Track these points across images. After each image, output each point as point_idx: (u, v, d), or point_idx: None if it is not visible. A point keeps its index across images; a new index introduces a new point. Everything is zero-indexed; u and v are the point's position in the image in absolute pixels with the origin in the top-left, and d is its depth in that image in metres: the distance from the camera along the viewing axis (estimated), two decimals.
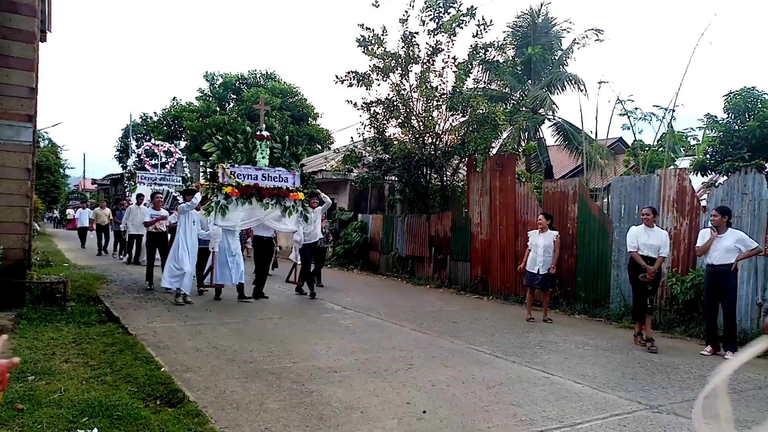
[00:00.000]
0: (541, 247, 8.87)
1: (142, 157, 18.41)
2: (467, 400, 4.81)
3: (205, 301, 9.63)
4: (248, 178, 9.73)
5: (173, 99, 39.64)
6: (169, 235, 11.16)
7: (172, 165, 18.72)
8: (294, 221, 10.23)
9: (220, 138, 9.87)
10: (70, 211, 40.48)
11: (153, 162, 18.41)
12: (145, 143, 19.70)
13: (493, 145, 14.74)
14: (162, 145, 19.19)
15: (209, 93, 37.01)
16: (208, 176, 9.73)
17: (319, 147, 33.60)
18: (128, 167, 18.56)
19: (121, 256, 16.92)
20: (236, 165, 9.74)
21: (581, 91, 19.84)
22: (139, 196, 15.30)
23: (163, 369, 5.21)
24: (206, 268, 10.24)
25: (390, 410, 4.49)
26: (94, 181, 63.09)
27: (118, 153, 45.83)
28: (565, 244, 9.83)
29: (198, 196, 9.28)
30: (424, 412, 4.45)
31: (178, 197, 16.69)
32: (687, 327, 8.14)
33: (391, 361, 6.03)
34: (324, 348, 6.54)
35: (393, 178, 15.99)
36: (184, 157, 18.99)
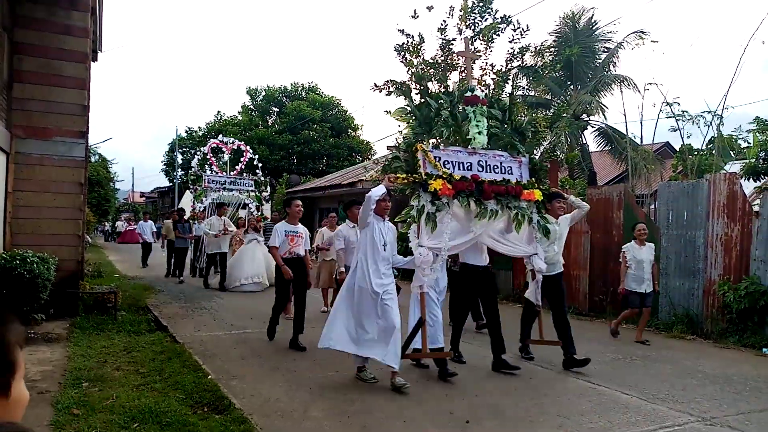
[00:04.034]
0: (647, 263, 7.80)
1: (208, 156, 15.79)
2: (511, 411, 4.75)
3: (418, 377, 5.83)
4: (459, 167, 5.81)
5: (217, 113, 40.62)
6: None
7: (242, 166, 16.00)
8: (526, 237, 6.12)
9: (419, 102, 5.87)
10: (119, 224, 41.50)
11: (222, 159, 15.69)
12: (211, 141, 16.76)
13: (534, 152, 14.56)
14: (231, 143, 16.29)
15: (252, 107, 37.81)
16: (403, 165, 5.75)
17: (359, 158, 33.87)
18: (192, 168, 16.00)
19: (182, 278, 14.06)
20: (441, 146, 5.94)
21: (626, 89, 19.29)
22: (222, 206, 13.09)
23: (210, 377, 5.32)
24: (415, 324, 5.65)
25: (433, 420, 4.47)
26: (142, 194, 65.32)
27: (165, 167, 47.15)
28: (610, 251, 9.61)
29: (379, 190, 5.52)
30: (467, 422, 4.42)
31: (250, 204, 14.99)
32: (741, 337, 7.84)
33: (432, 370, 6.00)
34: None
35: None
36: (256, 157, 16.16)
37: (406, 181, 5.53)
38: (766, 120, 11.53)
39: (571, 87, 21.44)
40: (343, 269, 7.61)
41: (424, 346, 5.51)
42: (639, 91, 18.44)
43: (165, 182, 50.24)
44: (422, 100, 6.06)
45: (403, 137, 6.01)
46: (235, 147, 16.13)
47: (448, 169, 5.72)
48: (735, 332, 7.96)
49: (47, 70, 8.05)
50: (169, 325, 7.93)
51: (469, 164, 5.89)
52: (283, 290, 7.27)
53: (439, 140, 6.01)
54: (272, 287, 11.79)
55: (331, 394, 5.07)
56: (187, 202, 25.89)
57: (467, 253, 6.16)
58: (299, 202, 7.35)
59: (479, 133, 5.99)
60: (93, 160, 32.96)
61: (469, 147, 6.00)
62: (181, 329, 7.70)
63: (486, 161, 6.01)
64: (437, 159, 5.71)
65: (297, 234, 7.15)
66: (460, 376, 5.71)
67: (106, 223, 45.03)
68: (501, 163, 6.12)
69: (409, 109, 5.96)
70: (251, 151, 16.36)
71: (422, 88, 5.73)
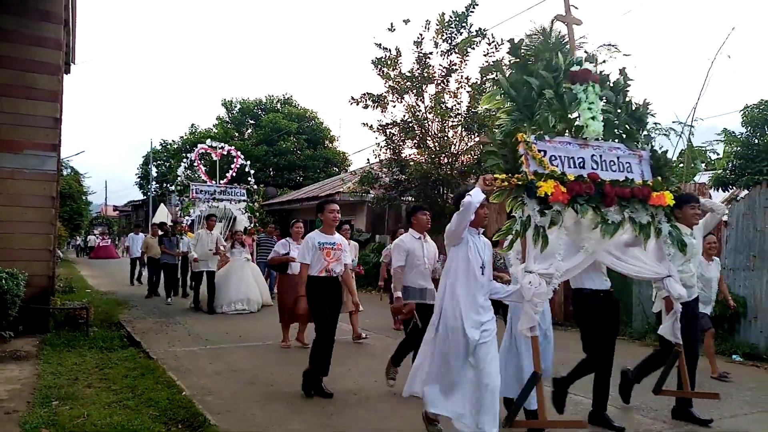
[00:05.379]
0: (715, 281, 6.54)
1: (195, 164, 14.54)
2: None
3: None
4: (570, 164, 4.46)
5: (192, 126, 40.26)
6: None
7: (233, 173, 14.82)
8: (654, 254, 4.77)
9: (515, 78, 4.56)
10: (91, 238, 40.67)
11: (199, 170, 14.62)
12: (199, 145, 15.22)
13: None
14: (220, 148, 14.87)
15: (227, 120, 37.63)
16: (500, 163, 4.32)
17: (336, 169, 33.89)
18: (179, 177, 14.77)
19: (169, 300, 12.50)
20: (547, 137, 4.44)
21: None
22: (210, 218, 11.63)
23: (184, 393, 5.24)
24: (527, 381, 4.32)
25: (414, 430, 4.45)
26: (115, 208, 64.33)
27: (139, 180, 46.57)
28: None
29: (478, 193, 3.95)
30: None
31: (242, 216, 14.04)
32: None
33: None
34: (345, 370, 6.52)
35: (410, 198, 16.07)
36: (248, 163, 14.95)
37: (506, 183, 4.10)
38: (733, 132, 11.86)
39: None
40: (400, 294, 5.35)
41: (541, 411, 4.13)
42: None
43: (139, 195, 49.65)
44: (521, 76, 4.58)
45: (498, 125, 4.69)
46: (225, 152, 14.95)
47: (556, 166, 4.31)
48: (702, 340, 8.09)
49: (18, 82, 7.93)
50: (142, 340, 7.80)
51: (581, 160, 4.49)
52: (319, 316, 5.52)
53: (543, 127, 4.47)
54: (264, 308, 11.38)
55: (310, 407, 5.03)
56: (162, 215, 25.54)
57: (584, 273, 4.68)
58: (335, 207, 5.76)
59: (593, 118, 4.56)
60: (65, 173, 32.41)
61: (582, 136, 4.58)
62: (154, 345, 7.58)
63: (600, 155, 4.59)
64: (542, 153, 4.30)
65: (334, 246, 5.64)
66: None
67: (78, 238, 44.11)
68: (618, 158, 4.68)
69: (504, 85, 4.53)
70: (242, 156, 15.09)
71: (520, 61, 4.58)
